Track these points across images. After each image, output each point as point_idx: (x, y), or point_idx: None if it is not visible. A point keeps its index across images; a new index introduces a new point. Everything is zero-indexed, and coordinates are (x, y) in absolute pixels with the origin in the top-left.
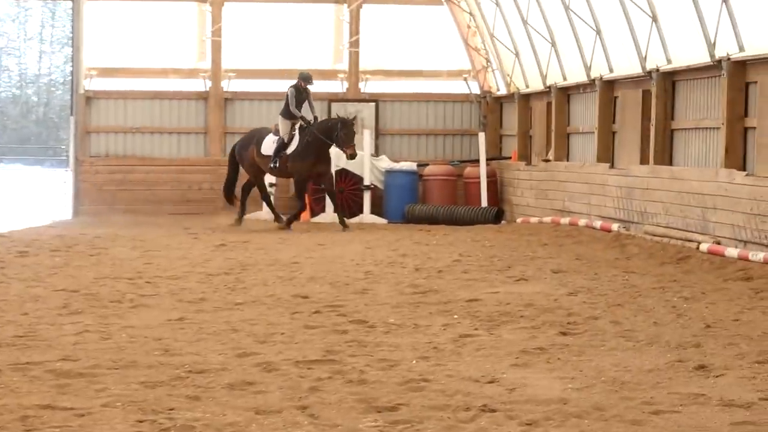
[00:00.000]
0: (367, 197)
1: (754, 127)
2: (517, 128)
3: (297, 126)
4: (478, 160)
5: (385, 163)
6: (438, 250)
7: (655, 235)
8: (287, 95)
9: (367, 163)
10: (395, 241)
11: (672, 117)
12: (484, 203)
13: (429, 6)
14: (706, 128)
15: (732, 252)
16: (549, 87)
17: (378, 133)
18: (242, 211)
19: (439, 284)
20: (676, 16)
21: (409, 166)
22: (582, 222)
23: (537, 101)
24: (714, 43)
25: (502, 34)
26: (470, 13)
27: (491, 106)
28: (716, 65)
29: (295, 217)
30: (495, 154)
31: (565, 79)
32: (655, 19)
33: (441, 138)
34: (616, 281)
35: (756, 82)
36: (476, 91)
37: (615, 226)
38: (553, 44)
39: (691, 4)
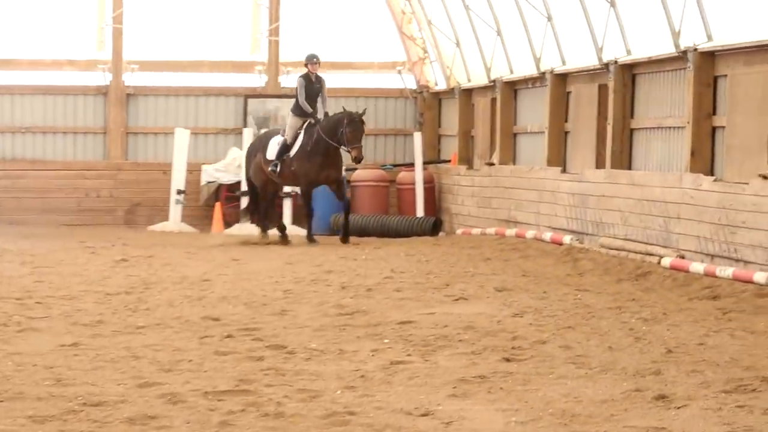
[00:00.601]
0: (287, 206)
1: (723, 127)
2: (458, 127)
3: (305, 124)
4: (413, 164)
5: None
6: (367, 266)
7: (611, 249)
8: (297, 87)
9: None
10: (319, 256)
11: (631, 115)
12: (420, 212)
13: None
14: (670, 127)
15: (697, 267)
16: (494, 81)
17: None
18: (279, 227)
19: (368, 304)
20: (636, 2)
21: None
22: (530, 234)
23: (480, 97)
24: (679, 31)
25: (441, 21)
26: None
27: (429, 103)
28: (681, 57)
29: (310, 228)
30: (433, 157)
31: (512, 72)
32: (613, 4)
33: (371, 138)
34: (568, 300)
35: (726, 76)
36: (412, 85)
37: (567, 239)
38: (499, 33)
39: None
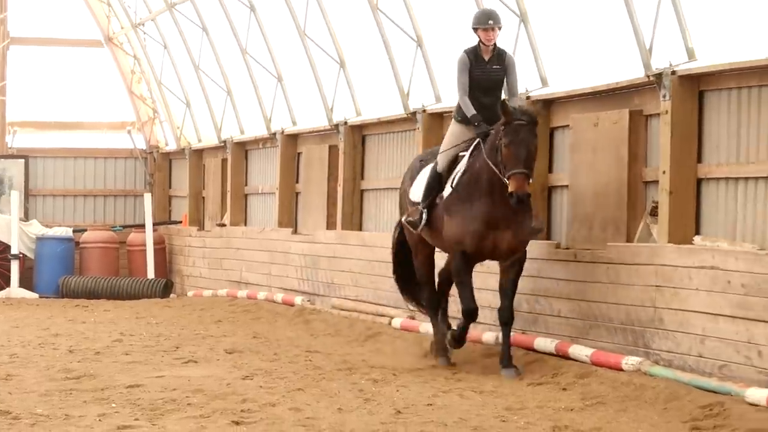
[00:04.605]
0: (15, 268)
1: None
2: (189, 188)
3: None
4: (143, 225)
5: (35, 228)
6: (96, 329)
7: (343, 310)
8: (457, 74)
9: (15, 229)
10: (47, 319)
11: (362, 176)
12: (151, 274)
13: (88, 48)
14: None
15: (427, 327)
16: (224, 141)
17: (28, 194)
18: (443, 323)
19: (96, 368)
20: (366, 63)
21: (64, 231)
22: (261, 295)
23: (211, 158)
24: (408, 93)
25: (171, 81)
26: (135, 57)
27: (159, 164)
28: (410, 118)
29: (463, 332)
30: (163, 219)
31: (242, 132)
32: (342, 65)
33: (101, 200)
34: (298, 362)
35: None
36: (142, 145)
37: (298, 300)
38: (229, 93)
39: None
